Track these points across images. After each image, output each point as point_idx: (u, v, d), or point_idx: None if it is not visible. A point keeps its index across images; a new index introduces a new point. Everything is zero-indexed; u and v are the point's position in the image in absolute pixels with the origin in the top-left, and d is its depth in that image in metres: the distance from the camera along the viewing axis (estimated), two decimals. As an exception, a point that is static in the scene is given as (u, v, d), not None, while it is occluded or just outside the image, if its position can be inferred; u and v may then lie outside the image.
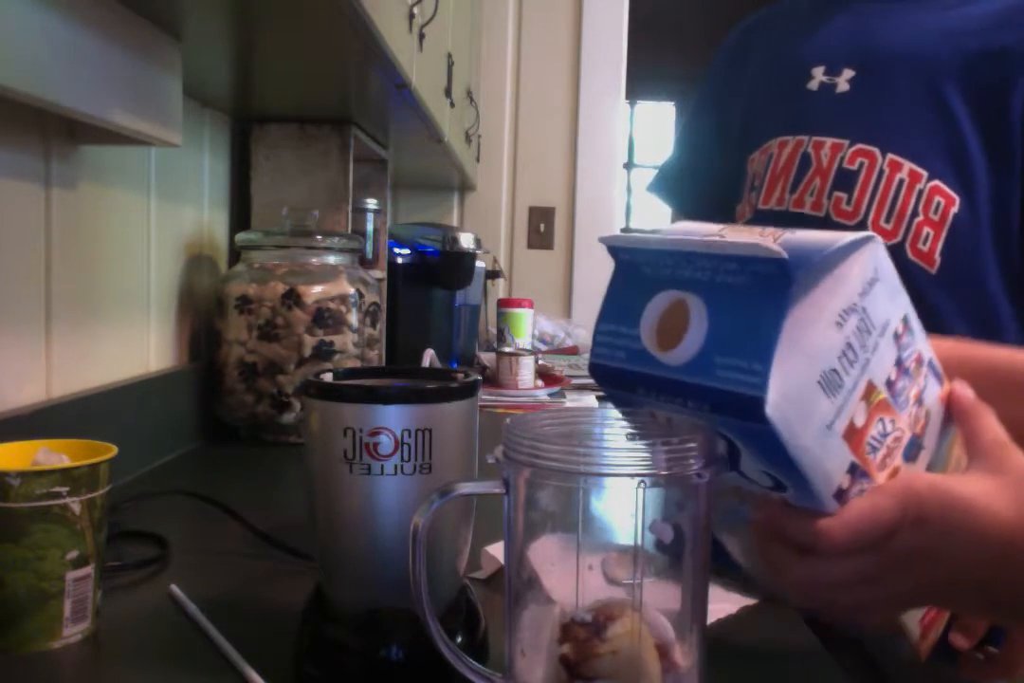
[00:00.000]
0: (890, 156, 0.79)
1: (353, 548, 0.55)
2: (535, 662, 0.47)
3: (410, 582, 0.46)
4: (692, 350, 0.44)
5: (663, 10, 4.20)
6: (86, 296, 1.02)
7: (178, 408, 1.23)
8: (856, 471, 0.46)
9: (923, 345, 0.51)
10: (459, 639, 0.56)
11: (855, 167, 0.80)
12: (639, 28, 2.70)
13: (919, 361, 0.50)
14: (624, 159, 2.89)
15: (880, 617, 0.51)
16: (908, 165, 0.78)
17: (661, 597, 0.46)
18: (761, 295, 0.43)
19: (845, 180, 0.80)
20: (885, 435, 0.47)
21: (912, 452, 0.50)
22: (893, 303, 0.48)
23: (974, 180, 0.77)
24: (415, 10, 1.14)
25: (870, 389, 0.46)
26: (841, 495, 0.46)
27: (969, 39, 0.80)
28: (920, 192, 0.78)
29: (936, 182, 0.77)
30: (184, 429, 1.25)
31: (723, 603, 0.70)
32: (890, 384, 0.47)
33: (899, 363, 0.48)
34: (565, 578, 0.45)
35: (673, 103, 5.28)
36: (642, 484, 0.42)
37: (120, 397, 1.05)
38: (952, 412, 0.52)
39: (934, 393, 0.52)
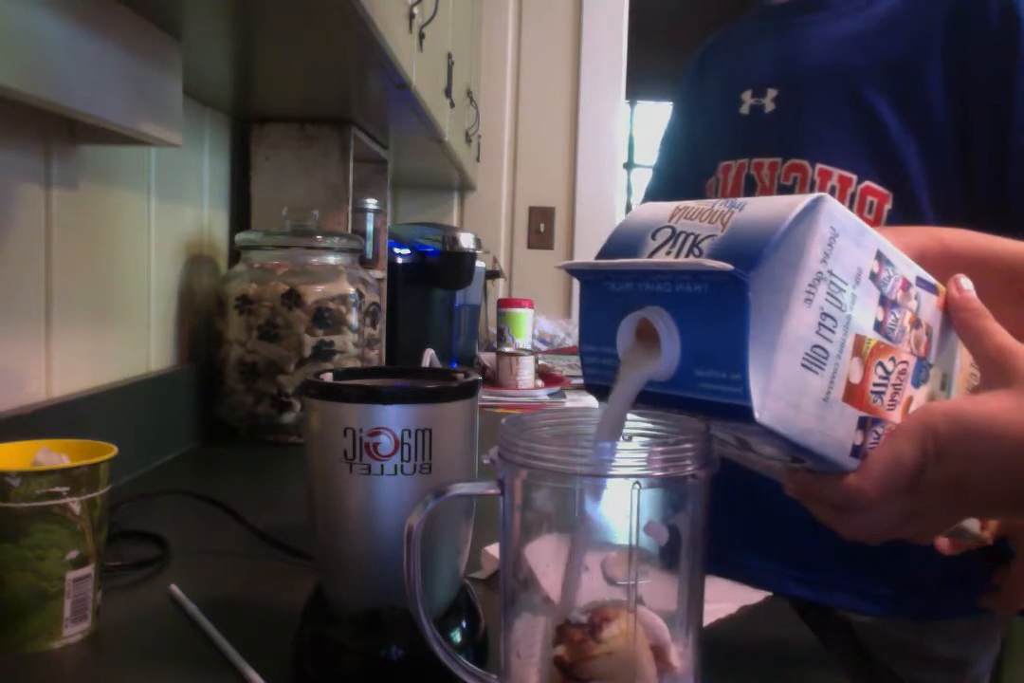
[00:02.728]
0: (819, 166, 0.82)
1: (353, 548, 0.55)
2: (530, 664, 0.47)
3: (404, 583, 0.46)
4: (671, 368, 0.44)
5: (663, 10, 4.20)
6: (86, 296, 1.02)
7: (178, 408, 1.24)
8: (867, 423, 0.46)
9: (905, 268, 0.49)
10: (459, 639, 0.56)
11: (790, 183, 0.83)
12: (639, 28, 2.70)
13: (905, 286, 0.49)
14: (624, 159, 2.89)
15: (938, 535, 0.54)
16: (837, 172, 0.81)
17: (657, 598, 0.46)
18: (721, 301, 0.42)
19: None
20: (887, 376, 0.47)
21: (922, 375, 0.50)
22: (861, 247, 0.46)
23: (906, 173, 0.79)
24: (415, 10, 1.14)
25: (859, 342, 0.46)
26: (858, 451, 0.46)
27: (878, 39, 0.82)
28: (852, 195, 0.80)
29: (867, 183, 0.80)
30: (184, 429, 1.25)
31: (722, 603, 0.70)
32: (879, 326, 0.47)
33: (883, 301, 0.47)
34: (561, 579, 0.45)
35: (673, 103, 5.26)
36: (637, 485, 0.42)
37: (120, 397, 1.06)
38: (951, 321, 0.51)
39: (930, 305, 0.51)
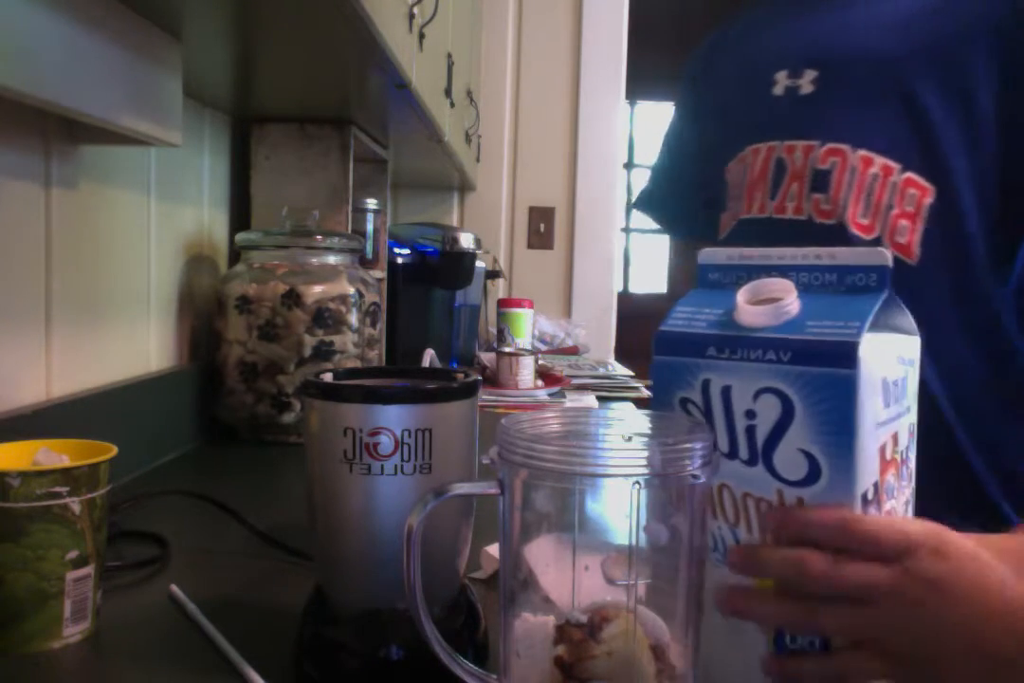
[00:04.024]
0: (861, 152, 0.79)
1: (353, 548, 0.56)
2: (530, 664, 0.47)
3: (404, 583, 0.46)
4: (787, 315, 0.47)
5: (663, 10, 4.20)
6: (86, 296, 1.02)
7: (178, 408, 1.24)
8: (877, 492, 0.46)
9: (911, 471, 0.53)
10: (459, 639, 0.56)
11: (828, 167, 0.80)
12: (639, 28, 2.69)
13: (910, 478, 0.52)
14: (624, 159, 2.89)
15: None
16: (880, 160, 0.78)
17: (657, 598, 0.46)
18: (858, 295, 0.48)
19: (820, 181, 0.81)
20: (892, 492, 0.48)
21: None
22: (913, 403, 0.52)
23: (948, 167, 0.77)
24: (415, 10, 1.14)
25: (895, 439, 0.48)
26: (865, 504, 0.46)
27: (922, 23, 0.80)
28: (894, 185, 0.78)
29: (909, 174, 0.78)
30: (184, 429, 1.25)
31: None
32: (905, 451, 0.50)
33: (904, 456, 0.50)
34: (561, 579, 0.45)
35: (673, 103, 5.25)
36: (637, 485, 0.42)
37: (120, 397, 1.06)
38: None
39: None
